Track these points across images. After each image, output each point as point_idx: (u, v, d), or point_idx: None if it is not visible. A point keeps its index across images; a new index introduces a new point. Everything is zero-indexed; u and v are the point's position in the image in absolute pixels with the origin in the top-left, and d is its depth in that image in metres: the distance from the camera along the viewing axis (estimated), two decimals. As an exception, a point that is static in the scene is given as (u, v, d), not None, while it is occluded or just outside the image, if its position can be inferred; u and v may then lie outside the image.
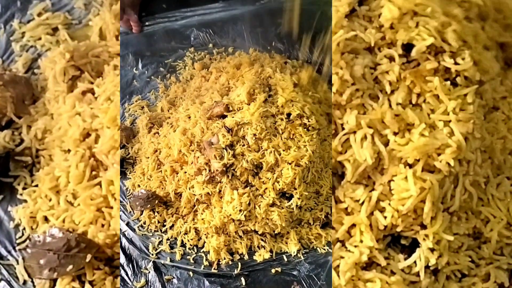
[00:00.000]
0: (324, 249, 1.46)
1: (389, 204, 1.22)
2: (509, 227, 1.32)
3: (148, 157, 1.58)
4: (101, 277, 1.32)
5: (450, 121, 1.23)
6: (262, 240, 1.46)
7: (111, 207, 1.38)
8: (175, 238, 1.47)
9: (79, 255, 1.29)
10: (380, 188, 1.24)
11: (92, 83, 1.56)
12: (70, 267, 1.28)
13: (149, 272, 1.41)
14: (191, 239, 1.46)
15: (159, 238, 1.47)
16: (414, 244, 1.25)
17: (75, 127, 1.46)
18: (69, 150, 1.46)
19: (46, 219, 1.42)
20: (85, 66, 1.58)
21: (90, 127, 1.45)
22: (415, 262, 1.23)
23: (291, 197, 1.44)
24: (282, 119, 1.44)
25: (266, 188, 1.42)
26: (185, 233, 1.47)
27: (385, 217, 1.22)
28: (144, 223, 1.50)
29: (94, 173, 1.43)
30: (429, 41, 1.25)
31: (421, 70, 1.25)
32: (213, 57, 1.90)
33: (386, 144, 1.24)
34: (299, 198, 1.43)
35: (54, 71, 1.57)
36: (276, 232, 1.45)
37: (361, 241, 1.24)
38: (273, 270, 1.42)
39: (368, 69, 1.26)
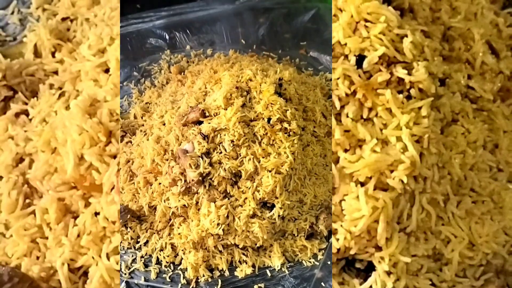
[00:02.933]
0: (310, 262, 1.42)
1: (341, 225, 1.18)
2: (472, 247, 1.29)
3: (120, 168, 1.50)
4: (36, 313, 1.26)
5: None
6: (243, 254, 1.41)
7: (47, 238, 1.31)
8: (150, 255, 1.41)
9: (12, 290, 1.24)
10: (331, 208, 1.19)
11: (26, 103, 1.50)
12: (3, 303, 1.22)
13: (121, 293, 1.34)
14: (167, 256, 1.40)
15: (132, 256, 1.41)
16: (370, 268, 1.21)
17: (7, 151, 1.41)
18: (0, 177, 1.40)
19: (-22, 252, 1.35)
20: (19, 85, 1.53)
21: (24, 152, 1.40)
22: (371, 286, 1.19)
23: (272, 207, 1.40)
24: (261, 124, 1.39)
25: (246, 198, 1.38)
26: (161, 250, 1.41)
27: (338, 239, 1.18)
28: (116, 240, 1.44)
29: (28, 201, 1.37)
30: (380, 50, 1.21)
31: (373, 83, 1.21)
32: (191, 60, 1.87)
33: (336, 161, 1.20)
34: (281, 208, 1.39)
35: (-15, 92, 1.52)
36: (258, 245, 1.40)
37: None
38: (256, 287, 1.36)
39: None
